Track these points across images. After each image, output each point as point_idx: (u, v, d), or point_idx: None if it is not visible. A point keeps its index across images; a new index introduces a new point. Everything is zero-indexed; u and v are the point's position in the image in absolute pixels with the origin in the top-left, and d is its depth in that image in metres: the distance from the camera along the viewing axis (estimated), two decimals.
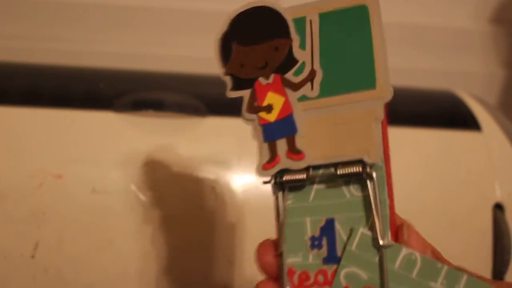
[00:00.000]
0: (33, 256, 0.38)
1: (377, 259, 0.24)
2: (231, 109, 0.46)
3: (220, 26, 0.27)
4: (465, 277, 0.23)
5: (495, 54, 0.71)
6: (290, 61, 0.26)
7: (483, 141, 0.46)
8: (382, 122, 0.25)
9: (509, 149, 0.46)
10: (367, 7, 0.25)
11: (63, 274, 0.38)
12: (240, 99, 0.27)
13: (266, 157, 0.26)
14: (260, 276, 0.26)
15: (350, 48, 0.25)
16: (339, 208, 0.25)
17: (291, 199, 0.26)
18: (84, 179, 0.40)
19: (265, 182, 0.26)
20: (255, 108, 0.27)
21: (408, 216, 0.27)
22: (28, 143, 0.41)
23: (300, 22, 0.26)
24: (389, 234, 0.24)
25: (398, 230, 0.25)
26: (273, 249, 0.26)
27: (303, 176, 0.25)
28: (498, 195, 0.45)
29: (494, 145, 0.46)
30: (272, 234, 0.40)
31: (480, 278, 0.24)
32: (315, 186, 0.26)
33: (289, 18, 0.26)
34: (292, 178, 0.26)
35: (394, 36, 0.68)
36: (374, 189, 0.25)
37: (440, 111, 0.51)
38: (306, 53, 0.26)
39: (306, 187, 0.26)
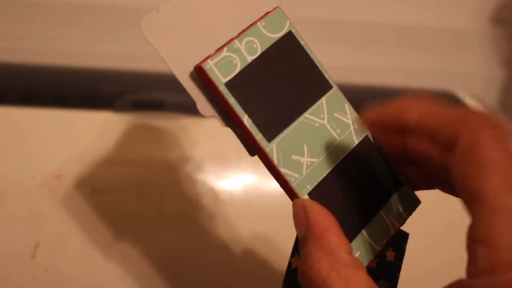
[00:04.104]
0: (33, 256, 0.38)
1: None
2: None
3: None
4: None
5: (495, 54, 0.71)
6: None
7: None
8: None
9: None
10: None
11: (63, 274, 0.38)
12: None
13: None
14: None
15: None
16: None
17: None
18: (84, 179, 0.40)
19: None
20: None
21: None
22: (28, 143, 0.41)
23: None
24: None
25: None
26: None
27: None
28: None
29: None
30: (272, 234, 0.40)
31: None
32: None
33: None
34: None
35: (394, 36, 0.68)
36: None
37: None
38: None
39: None
